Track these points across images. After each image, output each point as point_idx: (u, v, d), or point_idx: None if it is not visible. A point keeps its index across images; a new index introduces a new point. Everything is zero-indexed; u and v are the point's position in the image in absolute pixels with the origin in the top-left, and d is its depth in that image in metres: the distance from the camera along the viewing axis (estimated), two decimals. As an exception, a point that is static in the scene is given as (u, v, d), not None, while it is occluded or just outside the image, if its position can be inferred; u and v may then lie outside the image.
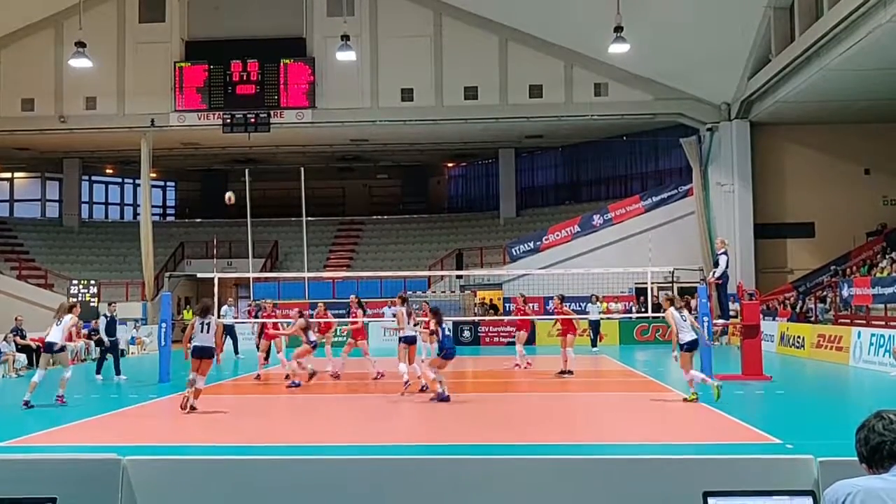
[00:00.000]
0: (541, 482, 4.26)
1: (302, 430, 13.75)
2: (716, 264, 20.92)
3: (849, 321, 25.66)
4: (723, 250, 20.59)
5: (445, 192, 50.91)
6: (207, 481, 4.33)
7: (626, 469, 4.32)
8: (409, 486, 4.29)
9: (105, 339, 22.08)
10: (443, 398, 15.81)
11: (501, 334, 33.82)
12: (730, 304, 22.88)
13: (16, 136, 38.08)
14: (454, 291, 38.15)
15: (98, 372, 21.80)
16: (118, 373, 21.30)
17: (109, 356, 22.11)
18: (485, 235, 43.73)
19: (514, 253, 38.74)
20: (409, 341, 17.54)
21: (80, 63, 30.09)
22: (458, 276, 37.77)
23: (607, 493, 4.21)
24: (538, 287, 33.75)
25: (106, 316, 22.40)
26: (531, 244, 38.78)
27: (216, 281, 22.91)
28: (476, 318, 34.96)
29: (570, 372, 21.03)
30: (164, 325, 21.17)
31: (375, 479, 4.33)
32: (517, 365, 23.02)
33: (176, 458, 4.69)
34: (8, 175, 47.33)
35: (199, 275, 26.42)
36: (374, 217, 47.76)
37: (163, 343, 21.01)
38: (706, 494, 3.70)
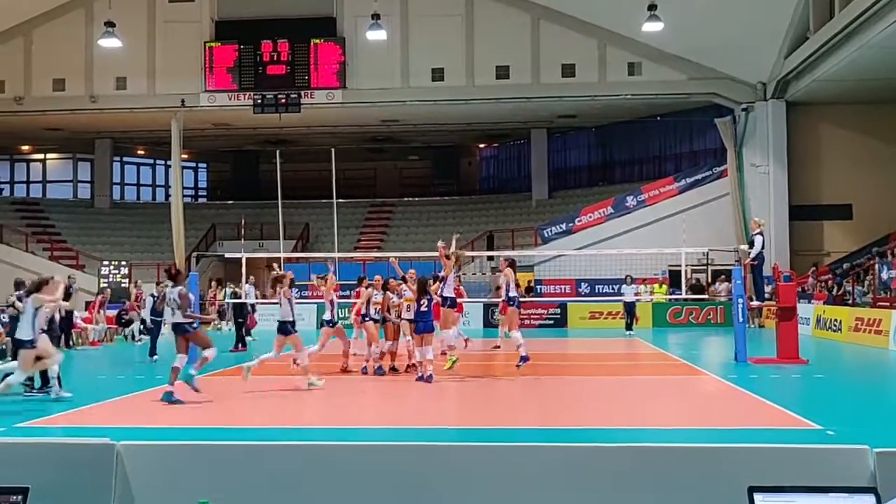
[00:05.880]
0: (577, 470, 3.98)
1: (309, 413, 13.46)
2: (751, 245, 20.46)
3: (888, 304, 25.12)
4: (758, 231, 20.15)
5: (477, 174, 50.61)
6: (204, 467, 4.14)
7: (666, 458, 4.00)
8: (432, 475, 4.06)
9: (148, 318, 21.85)
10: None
11: (532, 316, 33.20)
12: (765, 286, 22.50)
13: (47, 116, 38.14)
14: (485, 273, 37.89)
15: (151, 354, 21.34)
16: (153, 353, 21.12)
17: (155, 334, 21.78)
18: (516, 217, 43.39)
19: (546, 235, 38.37)
20: None
21: (110, 43, 30.09)
22: (489, 258, 37.47)
23: (646, 483, 3.91)
24: (570, 269, 33.37)
25: (154, 296, 22.10)
26: (563, 226, 38.38)
27: (244, 261, 22.78)
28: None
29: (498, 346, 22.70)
30: (191, 305, 20.92)
31: (393, 465, 4.10)
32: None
33: (171, 443, 4.50)
34: (40, 156, 47.62)
35: (226, 255, 26.32)
36: (405, 199, 47.60)
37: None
38: (752, 490, 3.36)
